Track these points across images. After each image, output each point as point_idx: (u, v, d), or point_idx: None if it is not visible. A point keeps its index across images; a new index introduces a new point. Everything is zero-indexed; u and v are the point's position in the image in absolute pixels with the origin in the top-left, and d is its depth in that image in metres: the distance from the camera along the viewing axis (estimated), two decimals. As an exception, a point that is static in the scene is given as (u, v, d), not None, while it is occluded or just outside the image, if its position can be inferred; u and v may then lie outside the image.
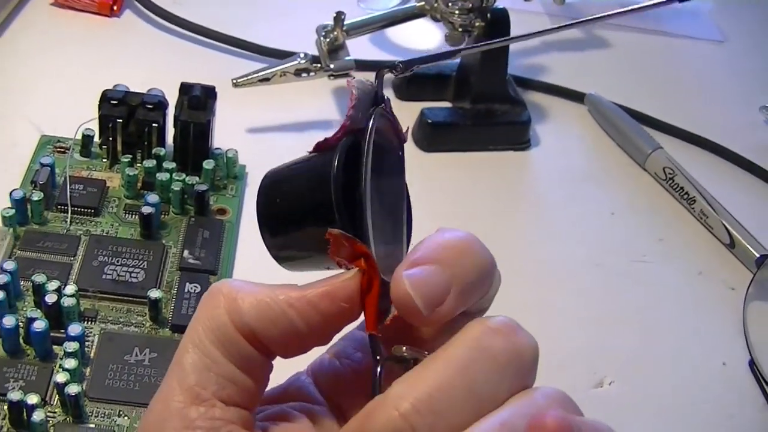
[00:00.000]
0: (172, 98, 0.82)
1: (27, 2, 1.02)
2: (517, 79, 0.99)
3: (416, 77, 0.97)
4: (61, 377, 0.62)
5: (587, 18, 0.83)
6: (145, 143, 0.81)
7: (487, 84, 0.94)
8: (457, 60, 0.97)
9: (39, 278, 0.68)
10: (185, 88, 0.82)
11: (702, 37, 1.17)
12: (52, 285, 0.68)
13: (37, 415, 0.60)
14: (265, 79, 0.90)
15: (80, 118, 0.82)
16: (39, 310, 0.67)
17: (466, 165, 0.91)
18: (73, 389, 0.62)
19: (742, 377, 0.77)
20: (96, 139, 0.82)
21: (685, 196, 0.90)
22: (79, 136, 0.82)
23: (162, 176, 0.78)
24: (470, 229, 0.41)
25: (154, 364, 0.67)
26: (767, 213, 0.92)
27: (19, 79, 0.93)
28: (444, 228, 0.41)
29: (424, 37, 1.05)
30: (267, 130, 0.91)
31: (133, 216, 0.78)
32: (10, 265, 0.69)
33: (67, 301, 0.67)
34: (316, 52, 0.91)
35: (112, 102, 0.80)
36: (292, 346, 0.41)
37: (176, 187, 0.78)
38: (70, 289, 0.68)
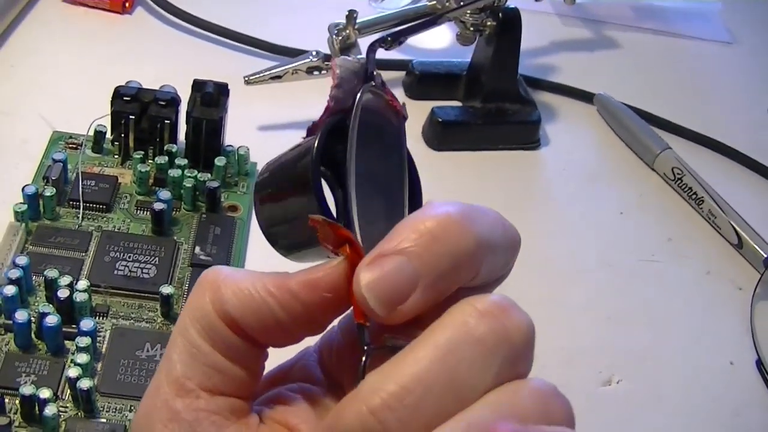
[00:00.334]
0: (184, 95, 0.82)
1: (39, -1, 1.02)
2: (527, 79, 0.99)
3: (427, 76, 0.97)
4: (72, 372, 0.62)
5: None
6: (157, 140, 0.81)
7: (498, 83, 0.94)
8: (468, 59, 0.97)
9: (51, 273, 0.69)
10: (198, 85, 0.82)
11: (711, 38, 1.17)
12: (65, 280, 0.68)
13: (49, 410, 0.61)
14: (277, 77, 0.90)
15: (92, 114, 0.82)
16: (51, 305, 0.67)
17: (477, 164, 0.92)
18: (84, 384, 0.62)
19: (750, 377, 0.77)
20: (108, 135, 0.83)
21: (694, 197, 0.90)
22: (91, 133, 0.82)
23: (174, 173, 0.79)
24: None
25: (165, 359, 0.67)
26: (775, 213, 0.92)
27: (31, 75, 0.93)
28: (430, 204, 0.38)
29: (435, 36, 1.05)
30: (278, 128, 0.92)
31: (145, 212, 0.78)
32: (22, 260, 0.69)
33: (79, 297, 0.68)
34: (328, 51, 0.92)
35: (125, 98, 0.81)
36: (276, 336, 0.40)
37: (188, 183, 0.78)
38: (82, 284, 0.69)
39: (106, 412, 0.64)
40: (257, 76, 0.90)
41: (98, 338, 0.68)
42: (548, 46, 1.08)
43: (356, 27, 0.91)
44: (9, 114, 0.88)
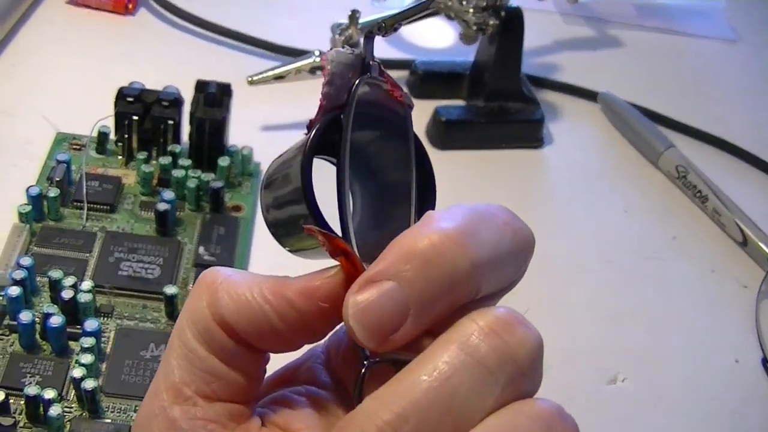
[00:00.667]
0: (187, 95, 0.82)
1: (42, 0, 1.02)
2: (530, 78, 0.99)
3: (430, 76, 0.97)
4: (77, 372, 0.63)
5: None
6: (161, 140, 0.81)
7: (501, 82, 0.94)
8: (471, 59, 0.97)
9: (55, 274, 0.69)
10: (201, 86, 0.82)
11: (715, 36, 1.17)
12: (69, 281, 0.68)
13: (54, 410, 0.61)
14: (280, 77, 0.90)
15: (96, 115, 0.82)
16: (55, 306, 0.67)
17: (480, 163, 0.92)
18: (89, 384, 0.62)
19: (755, 375, 0.77)
20: (112, 136, 0.83)
21: (698, 195, 0.90)
22: (95, 133, 0.82)
23: (177, 173, 0.79)
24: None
25: (170, 359, 0.67)
26: (780, 211, 0.92)
27: (34, 76, 0.93)
28: (428, 217, 0.37)
29: (438, 35, 1.05)
30: (282, 128, 0.92)
31: (149, 212, 0.78)
32: (26, 261, 0.69)
33: (84, 297, 0.68)
34: (330, 51, 0.91)
35: (128, 99, 0.81)
36: (272, 343, 0.39)
37: (192, 184, 0.78)
38: (87, 285, 0.69)
39: (111, 412, 0.64)
40: (260, 76, 0.90)
41: (103, 339, 0.68)
42: (551, 45, 1.08)
43: (359, 27, 0.92)
44: (13, 115, 0.88)
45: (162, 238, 0.76)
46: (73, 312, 0.68)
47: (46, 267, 0.71)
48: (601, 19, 1.15)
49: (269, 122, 0.92)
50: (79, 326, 0.67)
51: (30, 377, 0.64)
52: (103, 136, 0.82)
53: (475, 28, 0.92)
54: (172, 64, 0.96)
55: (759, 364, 0.77)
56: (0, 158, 0.83)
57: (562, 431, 0.35)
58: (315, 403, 0.41)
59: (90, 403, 0.63)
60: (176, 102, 0.81)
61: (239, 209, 0.80)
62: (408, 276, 0.35)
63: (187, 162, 0.80)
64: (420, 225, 0.36)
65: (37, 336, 0.67)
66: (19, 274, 0.68)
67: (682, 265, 0.86)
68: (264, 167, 0.85)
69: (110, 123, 0.82)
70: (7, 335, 0.67)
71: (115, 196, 0.78)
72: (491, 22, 0.91)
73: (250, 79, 0.89)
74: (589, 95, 1.01)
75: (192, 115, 0.81)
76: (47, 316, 0.65)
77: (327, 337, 0.42)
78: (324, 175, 0.40)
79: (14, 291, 0.67)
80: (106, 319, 0.70)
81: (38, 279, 0.71)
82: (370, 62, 0.41)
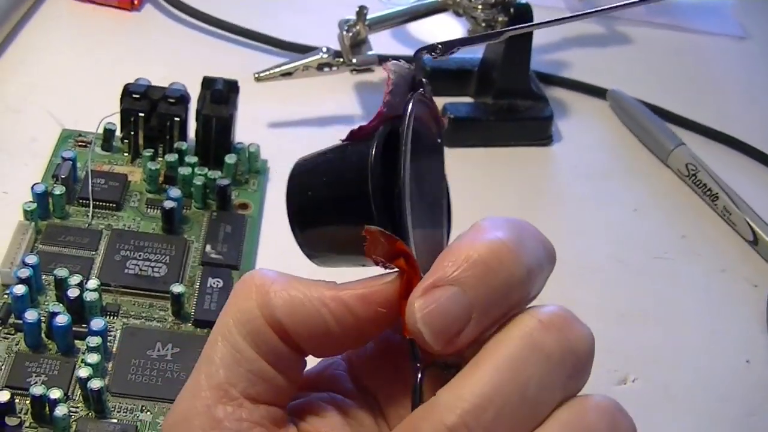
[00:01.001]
0: (194, 92, 0.81)
1: (48, -5, 1.02)
2: (539, 75, 0.99)
3: (438, 72, 0.97)
4: (83, 372, 0.62)
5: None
6: (167, 137, 0.81)
7: (510, 79, 0.93)
8: (479, 56, 0.96)
9: (61, 272, 0.68)
10: (208, 82, 0.82)
11: (724, 32, 1.16)
12: (75, 279, 0.68)
13: (60, 410, 0.60)
14: (288, 74, 0.90)
15: (102, 112, 0.82)
16: (61, 305, 0.67)
17: (488, 160, 0.91)
18: (95, 384, 0.61)
19: (766, 375, 0.76)
20: (118, 133, 0.82)
21: (708, 193, 0.89)
22: (100, 130, 0.82)
23: (184, 170, 0.78)
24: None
25: (177, 359, 0.66)
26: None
27: (40, 73, 0.93)
28: (480, 225, 0.38)
29: (446, 32, 1.05)
30: (289, 125, 0.91)
31: (155, 210, 0.77)
32: (32, 259, 0.68)
33: (90, 296, 0.67)
34: (338, 47, 0.91)
35: (134, 96, 0.80)
36: (323, 347, 0.40)
37: (198, 181, 0.78)
38: (93, 283, 0.68)
39: (117, 412, 0.63)
40: (267, 72, 0.89)
41: (109, 338, 0.67)
42: (560, 42, 1.07)
43: (367, 23, 0.91)
44: (18, 112, 0.87)
45: (168, 236, 0.76)
46: (79, 311, 0.67)
47: (51, 265, 0.70)
48: (609, 16, 1.14)
49: (276, 119, 0.91)
50: (85, 325, 0.66)
51: (36, 377, 0.64)
52: (108, 133, 0.82)
53: (483, 24, 0.91)
54: (179, 60, 0.96)
55: (770, 365, 0.77)
56: (6, 155, 0.83)
57: (626, 424, 0.37)
58: (341, 410, 0.42)
59: (96, 402, 0.62)
60: (183, 99, 0.81)
61: (246, 207, 0.80)
62: (471, 282, 0.36)
63: (193, 159, 0.79)
64: (474, 233, 0.38)
65: (43, 335, 0.66)
66: (25, 273, 0.67)
67: (691, 265, 0.85)
68: (271, 164, 0.84)
69: (116, 120, 0.81)
70: (13, 334, 0.66)
71: (121, 194, 0.78)
72: (500, 19, 0.91)
73: (257, 75, 0.89)
74: (598, 92, 1.01)
75: (198, 112, 0.80)
76: (53, 314, 0.65)
77: None
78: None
79: (19, 289, 0.66)
80: (112, 318, 0.69)
81: (44, 277, 0.70)
82: (421, 79, 0.42)
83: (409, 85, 0.41)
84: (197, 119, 0.81)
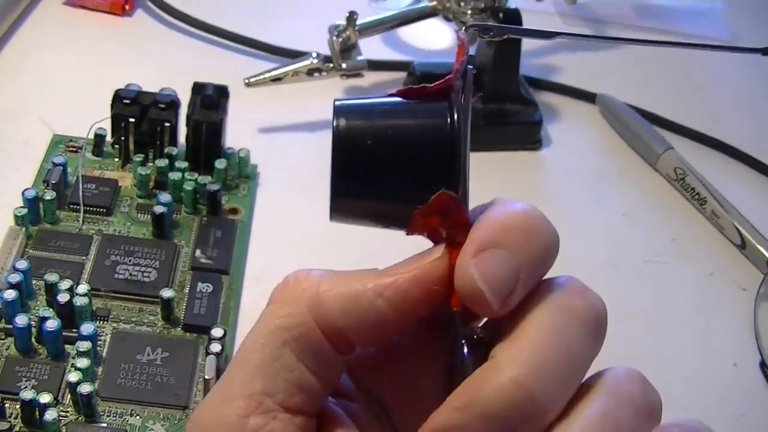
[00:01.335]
0: (184, 97, 0.82)
1: (39, 1, 1.02)
2: (528, 80, 0.99)
3: (428, 77, 0.96)
4: (73, 376, 0.62)
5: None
6: (158, 142, 0.81)
7: (499, 84, 0.93)
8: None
9: (51, 277, 0.68)
10: (198, 88, 0.82)
11: (714, 37, 1.16)
12: (65, 284, 0.68)
13: (50, 414, 0.61)
14: (278, 79, 0.90)
15: (93, 117, 0.82)
16: (51, 310, 0.67)
17: (478, 165, 0.90)
18: (85, 388, 0.62)
19: (753, 378, 0.76)
20: (108, 138, 0.82)
21: (697, 197, 0.90)
22: (91, 136, 0.82)
23: (174, 176, 0.79)
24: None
25: (166, 363, 0.67)
26: (779, 214, 0.91)
27: (31, 78, 0.93)
28: (502, 199, 0.39)
29: (436, 36, 1.05)
30: (279, 130, 0.91)
31: (146, 215, 0.78)
32: (22, 265, 0.69)
33: (80, 301, 0.67)
34: (328, 52, 0.91)
35: (125, 101, 0.81)
36: (380, 338, 0.39)
37: (188, 186, 0.78)
38: (83, 288, 0.68)
39: (107, 416, 0.63)
40: (257, 78, 0.89)
41: (99, 342, 0.68)
42: (550, 47, 1.07)
43: (356, 28, 0.91)
44: (9, 117, 0.87)
45: (158, 241, 0.76)
46: (69, 315, 0.67)
47: (42, 270, 0.71)
48: (599, 20, 1.14)
49: (266, 124, 0.91)
50: (75, 330, 0.66)
51: (25, 381, 0.64)
52: (99, 139, 0.82)
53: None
54: (169, 65, 0.96)
55: (757, 368, 0.77)
56: (-4, 161, 0.83)
57: (654, 391, 0.39)
58: (350, 414, 0.41)
59: (86, 407, 0.62)
60: (173, 104, 0.81)
61: (236, 212, 0.80)
62: (515, 245, 0.37)
63: (183, 164, 0.80)
64: (503, 204, 0.39)
65: (33, 340, 0.66)
66: (15, 278, 0.67)
67: (680, 268, 0.85)
68: (261, 169, 0.85)
69: (107, 125, 0.82)
70: (3, 339, 0.66)
71: (112, 199, 0.78)
72: (490, 23, 0.91)
73: (247, 81, 0.89)
74: (588, 97, 1.01)
75: (189, 117, 0.80)
76: (43, 319, 0.65)
77: None
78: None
79: (10, 294, 0.66)
80: (102, 322, 0.69)
81: (34, 282, 0.70)
82: (470, 54, 0.41)
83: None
84: (187, 124, 0.81)
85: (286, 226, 0.81)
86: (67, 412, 0.63)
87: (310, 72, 0.90)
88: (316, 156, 0.86)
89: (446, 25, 0.97)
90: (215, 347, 0.66)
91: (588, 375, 0.38)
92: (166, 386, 0.65)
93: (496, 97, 0.94)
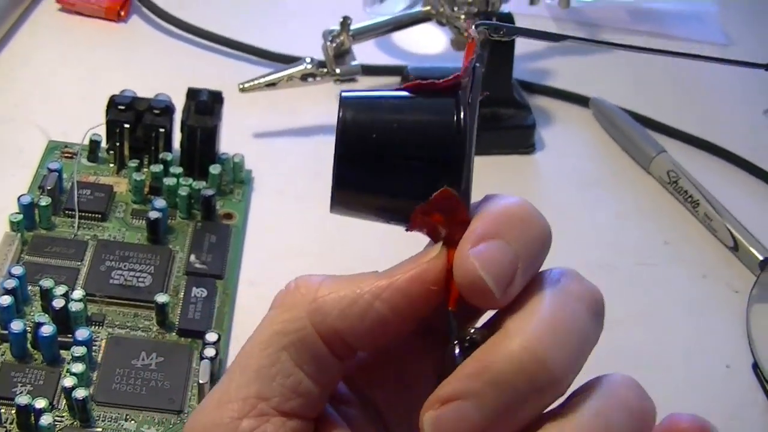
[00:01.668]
0: (179, 103, 0.82)
1: (35, 8, 1.02)
2: (521, 83, 0.99)
3: (421, 81, 0.97)
4: (68, 381, 0.63)
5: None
6: (153, 148, 0.81)
7: (493, 88, 0.94)
8: (460, 64, 0.97)
9: (47, 283, 0.69)
10: (192, 93, 0.82)
11: (707, 40, 1.17)
12: (60, 290, 0.68)
13: (45, 420, 0.61)
14: (272, 84, 0.90)
15: (88, 123, 0.82)
16: (47, 315, 0.67)
17: (472, 169, 0.92)
18: (80, 393, 0.62)
19: (746, 380, 0.77)
20: (103, 144, 0.83)
21: (689, 199, 0.90)
22: (86, 142, 0.82)
23: (169, 181, 0.79)
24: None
25: (161, 368, 0.67)
26: (771, 216, 0.92)
27: (26, 84, 0.93)
28: (495, 195, 0.39)
29: (430, 41, 1.05)
30: (273, 135, 0.92)
31: (140, 221, 0.78)
32: (18, 270, 0.69)
33: (75, 306, 0.68)
34: (322, 57, 0.92)
35: (120, 107, 0.81)
36: (379, 340, 0.39)
37: (183, 191, 0.78)
38: (78, 293, 0.69)
39: (102, 421, 0.64)
40: (252, 83, 0.90)
41: (94, 347, 0.68)
42: (543, 50, 1.08)
43: (350, 33, 0.92)
44: (5, 123, 0.88)
45: (153, 246, 0.76)
46: (65, 321, 0.68)
47: (37, 276, 0.71)
48: (593, 23, 1.15)
49: (261, 129, 0.92)
50: (70, 335, 0.67)
51: (21, 386, 0.64)
52: (94, 144, 0.82)
53: (466, 34, 0.92)
54: (164, 71, 0.96)
55: (750, 370, 0.77)
56: (-7, 167, 0.83)
57: (648, 399, 0.39)
58: (347, 419, 0.41)
59: (81, 412, 0.63)
60: (167, 110, 0.81)
61: (231, 217, 0.80)
62: (513, 235, 0.37)
63: (178, 170, 0.80)
64: (497, 198, 0.39)
65: (29, 345, 0.67)
66: (11, 284, 0.68)
67: (673, 271, 0.86)
68: (256, 175, 0.85)
69: (102, 131, 0.82)
70: (-2, 344, 0.67)
71: (107, 205, 0.78)
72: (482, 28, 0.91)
73: (241, 86, 0.90)
74: (581, 100, 1.02)
75: (183, 123, 0.81)
76: (38, 325, 0.66)
77: None
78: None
79: (5, 300, 0.67)
80: (97, 327, 0.70)
81: (29, 288, 0.71)
82: (481, 53, 0.40)
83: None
84: (182, 130, 0.81)
85: (280, 230, 0.82)
86: (63, 417, 0.63)
87: (305, 77, 0.91)
88: (311, 161, 0.86)
89: (440, 29, 0.98)
90: (210, 352, 0.67)
91: (585, 381, 0.38)
92: (161, 391, 0.66)
93: (490, 101, 0.93)
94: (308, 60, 0.91)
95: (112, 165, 0.82)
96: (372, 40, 0.96)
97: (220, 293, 0.73)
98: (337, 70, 0.91)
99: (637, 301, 0.82)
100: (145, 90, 0.83)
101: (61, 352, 0.67)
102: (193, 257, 0.76)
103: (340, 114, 0.39)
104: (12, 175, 0.82)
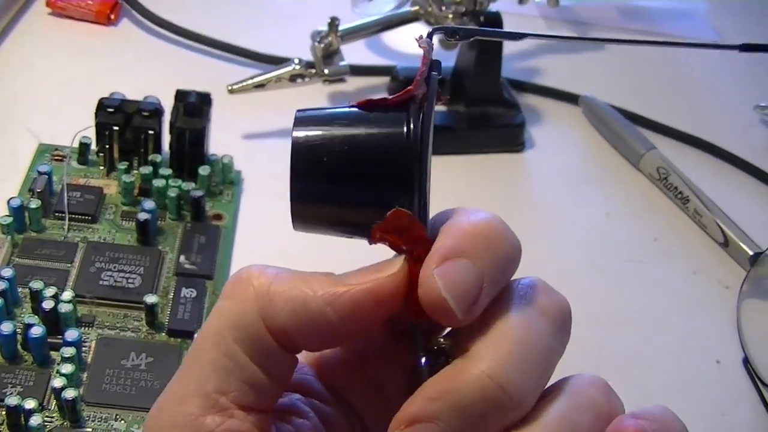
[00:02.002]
0: (168, 105, 0.82)
1: (25, 11, 1.03)
2: (511, 82, 1.00)
3: (411, 81, 0.97)
4: (58, 382, 0.63)
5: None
6: (142, 150, 0.82)
7: (482, 87, 0.94)
8: (451, 64, 0.97)
9: (36, 285, 0.69)
10: (181, 95, 0.82)
11: (698, 38, 1.17)
12: (50, 291, 0.69)
13: (35, 420, 0.61)
14: (260, 85, 0.90)
15: (77, 126, 0.82)
16: (36, 317, 0.68)
17: (461, 168, 0.92)
18: (70, 394, 0.62)
19: (736, 375, 0.77)
20: (93, 146, 0.83)
21: (679, 196, 0.90)
22: (76, 144, 0.82)
23: (158, 183, 0.79)
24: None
25: (151, 368, 0.67)
26: (761, 211, 0.92)
27: (16, 87, 0.93)
28: (464, 209, 0.39)
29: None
30: (262, 136, 0.92)
31: (130, 222, 0.78)
32: (8, 272, 0.69)
33: (64, 307, 0.68)
34: (310, 58, 0.92)
35: (109, 110, 0.81)
36: (324, 343, 0.39)
37: (172, 193, 0.78)
38: (68, 295, 0.69)
39: (92, 421, 0.64)
40: (240, 84, 0.90)
41: (84, 348, 0.68)
42: (533, 49, 1.08)
43: (339, 34, 0.92)
44: (-4, 127, 0.88)
45: (143, 247, 0.76)
46: (54, 322, 0.68)
47: (27, 278, 0.71)
48: (582, 22, 1.15)
49: (250, 131, 0.92)
50: (60, 336, 0.67)
51: (11, 387, 0.64)
52: (84, 147, 0.83)
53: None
54: (154, 73, 0.97)
55: (740, 365, 0.77)
56: (-17, 170, 0.83)
57: (617, 398, 0.40)
58: (321, 415, 0.41)
59: (71, 412, 0.63)
60: (156, 112, 0.81)
61: (220, 218, 0.81)
62: (478, 253, 0.37)
63: (167, 171, 0.80)
64: (464, 214, 0.39)
65: (19, 346, 0.67)
66: (1, 286, 0.68)
67: (663, 267, 0.86)
68: (245, 175, 0.85)
69: (91, 133, 0.82)
70: (-12, 346, 0.67)
71: (97, 207, 0.79)
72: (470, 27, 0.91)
73: (230, 87, 0.90)
74: (571, 98, 1.02)
75: (172, 124, 0.81)
76: (28, 326, 0.66)
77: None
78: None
79: (-5, 302, 0.67)
80: (87, 328, 0.70)
81: (19, 290, 0.71)
82: (438, 61, 0.40)
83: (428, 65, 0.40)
84: (171, 132, 0.81)
85: (270, 231, 0.81)
86: (53, 417, 0.64)
87: (293, 78, 0.91)
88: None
89: (428, 29, 0.98)
90: (199, 351, 0.67)
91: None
92: (151, 391, 0.66)
93: (479, 100, 0.94)
94: (297, 61, 0.91)
95: (101, 167, 0.83)
96: (361, 41, 0.97)
97: (210, 294, 0.74)
98: (326, 71, 0.91)
99: (627, 298, 0.82)
100: (135, 92, 0.83)
101: (51, 353, 0.67)
102: (182, 258, 0.76)
103: (293, 132, 0.39)
104: (2, 178, 0.82)
